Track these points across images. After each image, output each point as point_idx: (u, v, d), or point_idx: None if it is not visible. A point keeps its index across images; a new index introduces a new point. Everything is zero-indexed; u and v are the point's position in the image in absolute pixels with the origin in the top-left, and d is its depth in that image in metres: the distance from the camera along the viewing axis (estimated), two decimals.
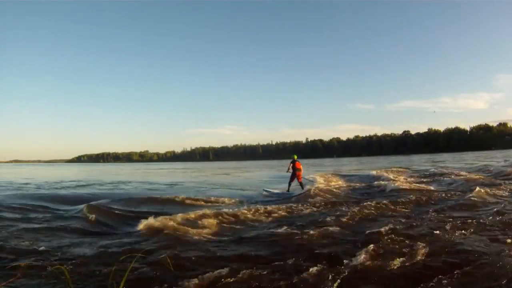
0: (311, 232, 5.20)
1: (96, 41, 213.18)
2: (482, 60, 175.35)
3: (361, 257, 3.88)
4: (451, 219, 5.86)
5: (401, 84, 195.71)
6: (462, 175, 14.87)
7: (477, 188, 9.00)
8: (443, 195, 9.19)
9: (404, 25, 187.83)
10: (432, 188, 11.18)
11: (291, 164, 11.92)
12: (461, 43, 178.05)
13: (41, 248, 4.70)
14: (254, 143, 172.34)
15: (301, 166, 12.01)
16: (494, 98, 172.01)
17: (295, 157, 12.17)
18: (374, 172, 18.91)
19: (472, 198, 8.00)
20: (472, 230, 5.03)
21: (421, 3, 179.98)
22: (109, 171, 38.79)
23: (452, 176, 14.76)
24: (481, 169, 19.77)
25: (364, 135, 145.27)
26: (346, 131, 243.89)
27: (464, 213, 6.56)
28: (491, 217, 5.84)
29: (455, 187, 11.37)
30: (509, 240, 4.42)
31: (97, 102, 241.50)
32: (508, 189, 9.66)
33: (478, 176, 14.03)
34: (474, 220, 5.63)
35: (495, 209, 6.56)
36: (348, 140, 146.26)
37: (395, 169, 22.84)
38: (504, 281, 3.16)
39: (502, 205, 7.17)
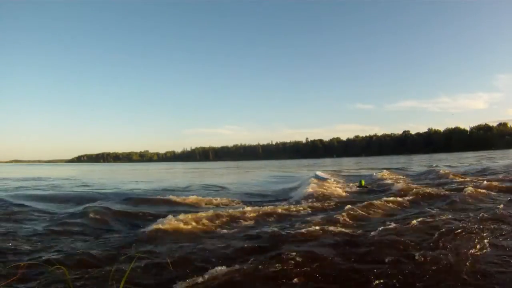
0: (304, 231, 5.25)
1: (96, 41, 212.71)
2: (481, 60, 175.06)
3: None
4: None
5: (400, 84, 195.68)
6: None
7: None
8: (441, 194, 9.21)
9: (404, 25, 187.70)
10: (429, 189, 11.15)
11: None
12: (461, 43, 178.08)
13: (41, 248, 4.73)
14: (254, 143, 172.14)
15: None
16: (493, 98, 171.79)
17: None
18: (373, 173, 19.07)
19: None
20: None
21: (421, 3, 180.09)
22: (109, 171, 38.77)
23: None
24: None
25: (364, 135, 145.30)
26: (346, 131, 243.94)
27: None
28: None
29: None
30: None
31: (97, 102, 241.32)
32: None
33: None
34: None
35: None
36: (348, 140, 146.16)
37: (394, 170, 22.86)
38: None
39: None
